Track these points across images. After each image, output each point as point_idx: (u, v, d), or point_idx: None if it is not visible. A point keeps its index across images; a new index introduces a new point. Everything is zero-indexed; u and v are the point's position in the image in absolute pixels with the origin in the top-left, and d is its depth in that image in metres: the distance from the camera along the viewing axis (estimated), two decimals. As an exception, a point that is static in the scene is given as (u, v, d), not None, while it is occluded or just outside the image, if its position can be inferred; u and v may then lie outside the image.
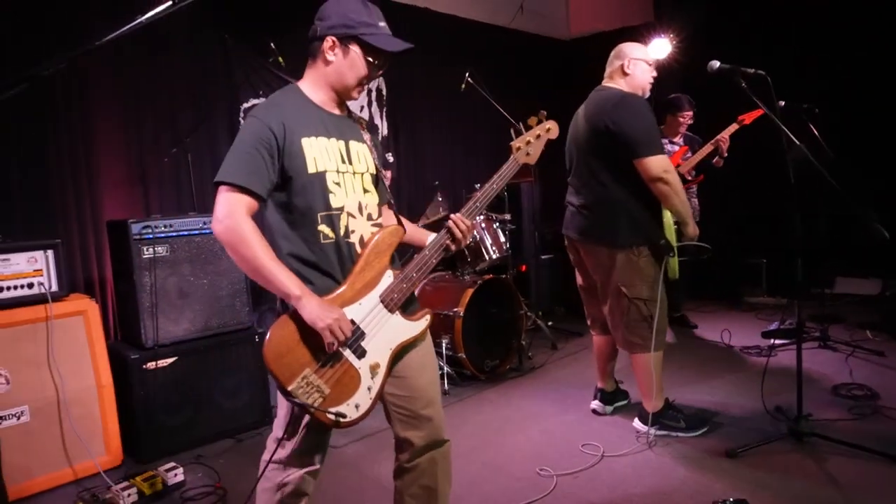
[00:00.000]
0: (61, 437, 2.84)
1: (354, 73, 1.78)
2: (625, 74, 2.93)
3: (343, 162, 1.81)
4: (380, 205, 1.92)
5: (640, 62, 2.94)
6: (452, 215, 1.87)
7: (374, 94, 5.25)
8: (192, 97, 4.05)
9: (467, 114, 5.64)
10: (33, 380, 2.78)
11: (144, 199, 3.84)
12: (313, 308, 1.63)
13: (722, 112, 4.30)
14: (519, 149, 1.96)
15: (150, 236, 3.07)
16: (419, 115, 5.57)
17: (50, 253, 2.88)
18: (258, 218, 1.70)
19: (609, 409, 3.31)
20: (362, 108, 5.17)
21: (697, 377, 3.77)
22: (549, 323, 4.84)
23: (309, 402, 1.62)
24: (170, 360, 3.10)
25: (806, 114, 3.98)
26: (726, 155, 4.35)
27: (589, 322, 3.31)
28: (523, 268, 5.28)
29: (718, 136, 4.30)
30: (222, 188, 1.66)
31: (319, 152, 1.76)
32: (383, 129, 5.32)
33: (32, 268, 2.84)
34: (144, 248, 3.06)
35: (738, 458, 2.70)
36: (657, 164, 2.71)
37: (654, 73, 3.01)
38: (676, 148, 4.60)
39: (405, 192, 5.41)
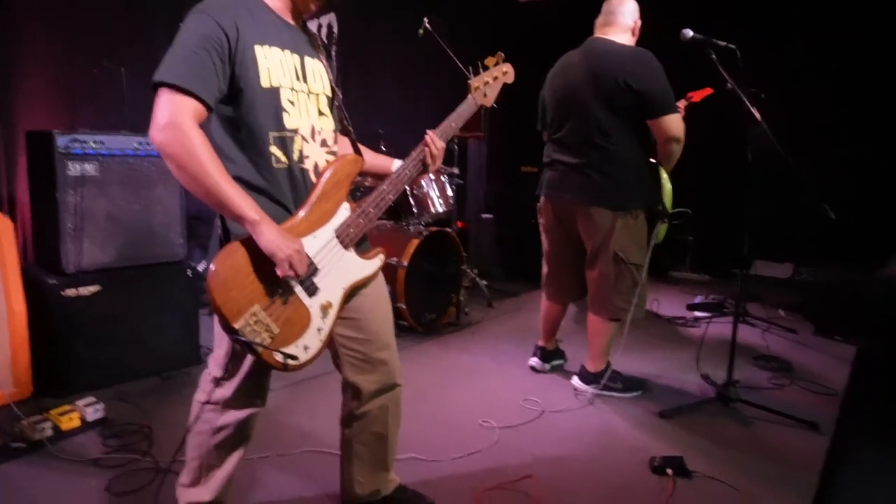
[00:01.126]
0: (-36, 364, 2.56)
1: None
2: (633, 34, 2.87)
3: (298, 79, 1.61)
4: (335, 131, 1.75)
5: (638, 26, 2.90)
6: (429, 131, 1.77)
7: (324, 31, 4.98)
8: (128, 3, 3.67)
9: (422, 63, 5.44)
10: (-66, 299, 2.48)
11: (69, 112, 3.48)
12: (273, 236, 1.45)
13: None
14: (477, 88, 1.89)
15: (79, 151, 2.78)
16: (371, 58, 5.34)
17: (-41, 159, 2.55)
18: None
19: (547, 366, 3.34)
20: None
21: (632, 343, 3.84)
22: (485, 282, 4.85)
23: (256, 342, 1.47)
24: (93, 289, 2.85)
25: (753, 97, 4.11)
26: None
27: (549, 291, 3.22)
28: (459, 224, 5.24)
29: None
30: (163, 90, 1.41)
31: (274, 64, 1.55)
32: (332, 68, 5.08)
33: (-63, 174, 2.52)
34: (71, 165, 2.77)
35: (672, 418, 2.79)
36: (676, 124, 2.68)
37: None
38: None
39: (355, 133, 5.21)
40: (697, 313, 4.55)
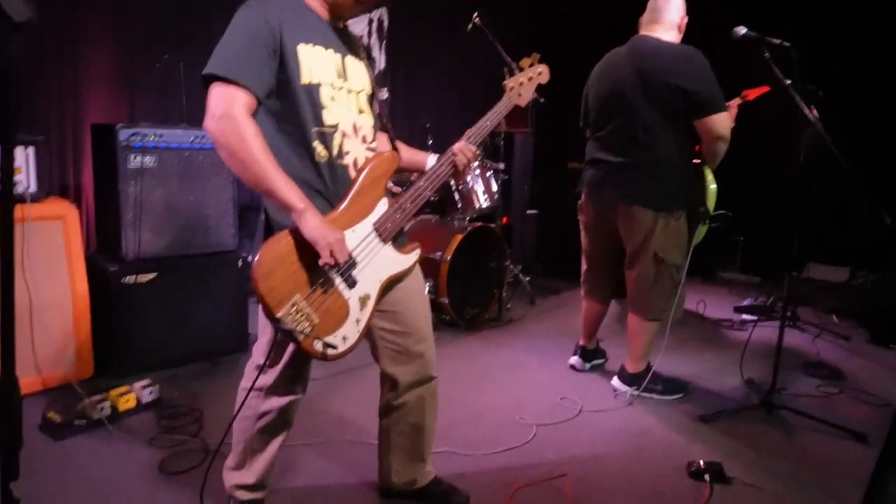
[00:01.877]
0: (31, 343, 2.72)
1: None
2: (680, 31, 2.83)
3: (339, 77, 1.67)
4: (375, 128, 1.81)
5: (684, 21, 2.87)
6: (456, 144, 1.81)
7: (374, 25, 5.05)
8: (189, 2, 3.81)
9: (470, 59, 5.45)
10: (6, 282, 2.65)
11: (130, 105, 3.64)
12: (316, 225, 1.50)
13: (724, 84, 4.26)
14: (512, 88, 1.94)
15: (139, 145, 2.91)
16: (420, 54, 5.39)
17: (31, 150, 2.71)
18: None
19: (587, 365, 3.34)
20: (361, 37, 4.97)
21: (675, 346, 3.80)
22: (528, 278, 4.85)
23: (298, 330, 1.53)
24: (149, 276, 2.99)
25: (810, 95, 3.98)
26: None
27: (587, 288, 3.22)
28: (505, 220, 5.25)
29: None
30: (216, 83, 1.48)
31: (316, 61, 1.61)
32: (381, 62, 5.15)
33: (10, 164, 2.67)
34: (132, 157, 2.90)
35: (712, 423, 2.76)
36: (723, 123, 2.65)
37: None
38: None
39: (399, 129, 5.27)
40: (745, 316, 4.45)
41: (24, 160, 2.70)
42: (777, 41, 2.70)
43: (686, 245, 2.82)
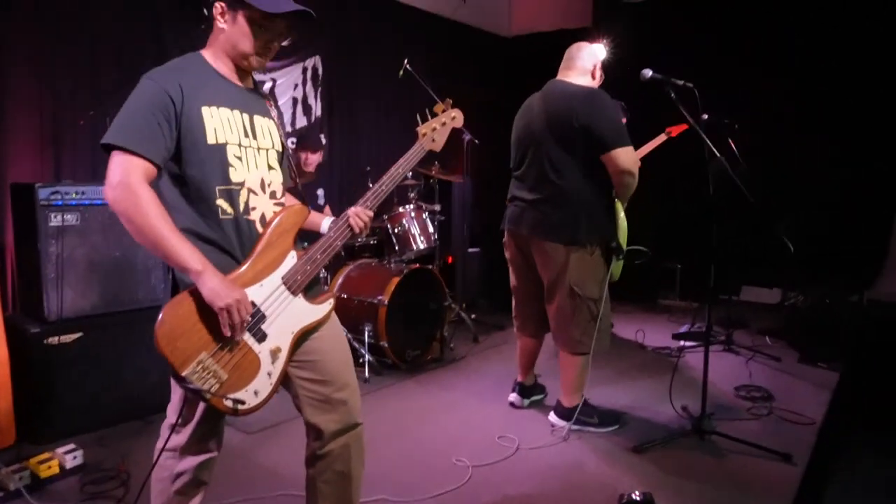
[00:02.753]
0: (-54, 413, 2.62)
1: (247, 40, 1.67)
2: (593, 76, 2.97)
3: (246, 136, 1.71)
4: (284, 184, 1.85)
5: (600, 69, 3.00)
6: (350, 209, 1.85)
7: (309, 73, 5.11)
8: (115, 58, 3.80)
9: (405, 102, 5.59)
10: (-84, 350, 2.55)
11: (55, 161, 3.57)
12: (214, 285, 1.52)
13: (650, 121, 4.45)
14: (425, 134, 2.00)
15: (60, 203, 2.87)
16: (356, 99, 5.47)
17: (-57, 214, 2.64)
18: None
19: (526, 402, 3.37)
20: (296, 85, 5.03)
21: (613, 377, 3.89)
22: (473, 315, 4.89)
23: (205, 388, 1.52)
24: (74, 336, 2.91)
25: (726, 128, 4.20)
26: None
27: (517, 324, 3.29)
28: (450, 259, 5.31)
29: (643, 148, 4.43)
30: (115, 152, 1.52)
31: (220, 123, 1.65)
32: (317, 109, 5.20)
33: (-79, 229, 2.60)
34: (52, 216, 2.86)
35: (645, 453, 2.81)
36: (629, 156, 2.75)
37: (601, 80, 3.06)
38: None
39: (338, 174, 5.32)
40: (683, 342, 4.57)
41: (-64, 224, 2.62)
42: (681, 82, 2.87)
43: (603, 279, 2.90)
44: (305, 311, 1.76)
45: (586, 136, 2.75)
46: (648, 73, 2.87)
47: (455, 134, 4.17)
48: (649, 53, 5.06)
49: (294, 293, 1.73)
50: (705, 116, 3.97)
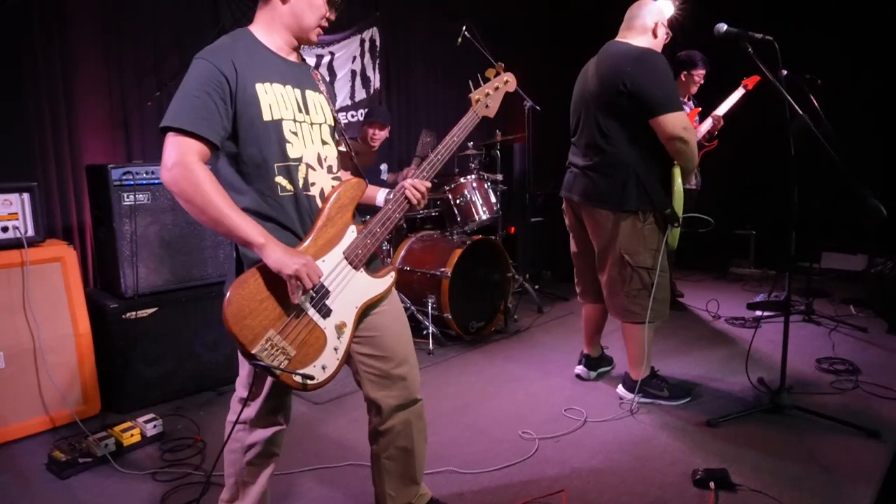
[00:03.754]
0: (37, 384, 2.79)
1: (314, 11, 1.67)
2: (654, 35, 2.82)
3: (300, 111, 1.70)
4: (339, 158, 1.84)
5: (664, 25, 2.84)
6: (406, 181, 1.82)
7: (367, 45, 5.09)
8: (176, 40, 3.88)
9: (464, 68, 5.47)
10: (8, 326, 2.71)
11: (126, 144, 3.71)
12: (279, 255, 1.52)
13: (722, 78, 4.22)
14: (478, 101, 1.95)
15: (132, 183, 2.97)
16: (414, 69, 5.43)
17: (26, 196, 2.77)
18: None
19: (593, 374, 3.30)
20: (354, 58, 5.02)
21: (683, 347, 3.77)
22: (536, 286, 4.82)
23: (274, 365, 1.54)
24: (150, 311, 3.03)
25: (808, 84, 3.92)
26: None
27: (579, 290, 3.24)
28: (512, 230, 5.24)
29: (722, 105, 4.21)
30: (170, 134, 1.53)
31: (275, 99, 1.64)
32: (376, 81, 5.18)
33: (7, 211, 2.74)
34: (125, 195, 2.96)
35: (719, 427, 2.71)
36: (677, 121, 2.62)
37: (668, 38, 2.90)
38: (688, 109, 4.49)
39: (398, 146, 5.31)
40: (758, 312, 4.37)
41: (20, 206, 2.76)
42: (759, 35, 2.68)
43: (657, 248, 2.78)
44: (368, 286, 1.76)
45: (635, 100, 2.63)
46: (723, 27, 2.68)
47: (516, 101, 4.08)
48: (717, 4, 4.83)
49: (356, 268, 1.72)
50: (785, 72, 3.73)
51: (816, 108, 3.80)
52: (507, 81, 2.02)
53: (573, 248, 3.18)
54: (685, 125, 2.62)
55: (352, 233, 1.73)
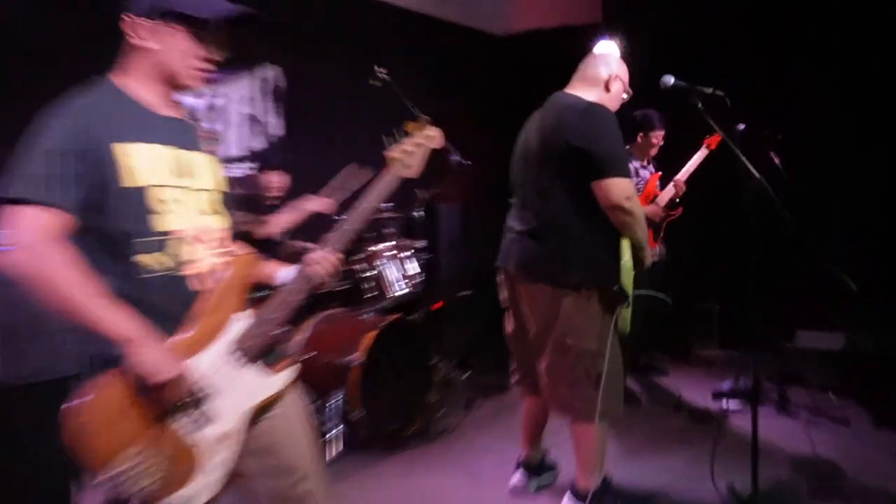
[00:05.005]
0: None
1: (178, 56, 1.67)
2: (606, 89, 2.94)
3: (175, 175, 1.68)
4: (228, 230, 1.83)
5: (621, 83, 2.98)
6: (312, 254, 1.82)
7: (266, 86, 5.11)
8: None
9: (385, 116, 5.59)
10: None
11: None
12: (146, 357, 1.49)
13: (681, 134, 4.45)
14: (397, 159, 1.97)
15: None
16: (324, 113, 5.46)
17: None
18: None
19: (533, 484, 3.27)
20: (250, 100, 5.02)
21: (641, 449, 3.80)
22: (467, 375, 4.81)
23: (135, 492, 1.47)
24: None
25: (768, 140, 4.19)
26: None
27: (517, 378, 3.23)
28: (438, 306, 5.23)
29: (685, 168, 4.44)
30: (19, 207, 1.47)
31: (139, 162, 1.61)
32: (277, 127, 5.19)
33: None
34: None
35: (682, 548, 2.71)
36: (620, 188, 2.69)
37: (627, 97, 3.03)
38: (648, 174, 4.68)
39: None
40: (726, 403, 4.47)
41: None
42: (709, 90, 2.85)
43: (604, 330, 2.83)
44: (260, 384, 1.73)
45: (578, 159, 2.72)
46: (670, 80, 2.84)
47: (442, 155, 4.14)
48: (673, 55, 5.14)
49: (245, 362, 1.70)
50: (741, 126, 3.98)
51: (777, 166, 4.07)
52: (431, 137, 2.05)
53: (509, 328, 3.19)
54: (629, 194, 2.71)
55: (241, 320, 1.71)
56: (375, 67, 4.20)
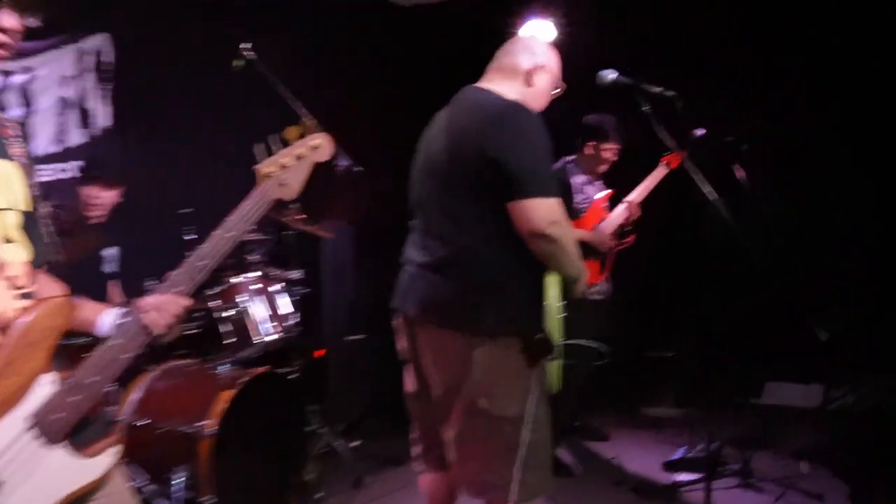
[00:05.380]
0: None
1: None
2: (527, 83, 2.98)
3: None
4: (34, 264, 1.82)
5: (548, 73, 3.01)
6: (150, 297, 1.81)
7: (89, 61, 5.00)
8: None
9: (249, 106, 5.56)
10: None
11: None
12: None
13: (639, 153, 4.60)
14: (270, 175, 1.97)
15: None
16: (168, 102, 5.37)
17: None
18: None
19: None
20: (67, 79, 4.92)
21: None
22: (355, 444, 4.82)
23: None
24: None
25: (731, 148, 4.36)
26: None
27: (418, 450, 3.24)
28: (319, 353, 5.22)
29: (639, 188, 4.60)
30: None
31: None
32: (104, 116, 5.09)
33: None
34: None
35: None
36: (543, 212, 2.69)
37: (555, 96, 3.08)
38: (595, 191, 4.80)
39: (139, 223, 5.15)
40: (678, 476, 4.62)
41: None
42: (657, 89, 2.96)
43: (527, 388, 2.87)
44: (71, 471, 1.71)
45: (494, 174, 2.75)
46: (611, 74, 2.94)
47: (327, 160, 4.12)
48: (627, 41, 5.32)
49: (51, 441, 1.68)
50: (700, 132, 4.15)
51: (743, 183, 4.25)
52: (317, 147, 2.06)
53: (410, 385, 3.18)
54: (554, 219, 2.72)
55: (46, 385, 1.69)
56: (241, 46, 4.18)
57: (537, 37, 3.12)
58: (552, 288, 2.91)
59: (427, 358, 2.97)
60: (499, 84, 2.95)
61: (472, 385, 2.82)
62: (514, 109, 2.80)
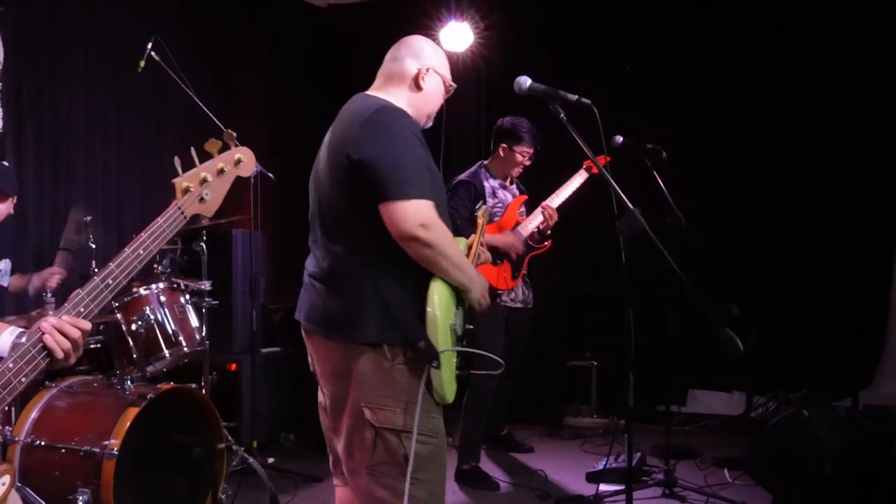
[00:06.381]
0: None
1: None
2: (417, 86, 2.98)
3: None
4: None
5: (438, 76, 3.02)
6: (48, 320, 1.76)
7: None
8: None
9: (157, 110, 5.48)
10: None
11: None
12: None
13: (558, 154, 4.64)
14: (188, 190, 1.93)
15: None
16: (69, 105, 5.26)
17: None
18: None
19: None
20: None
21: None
22: (271, 460, 4.78)
23: None
24: None
25: (651, 157, 4.45)
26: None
27: (332, 462, 3.22)
28: (232, 367, 5.16)
29: (557, 192, 4.65)
30: None
31: None
32: (-3, 121, 4.96)
33: None
34: None
35: None
36: (411, 213, 2.68)
37: (447, 95, 3.10)
38: (509, 196, 4.86)
39: (35, 230, 5.04)
40: (602, 486, 4.67)
41: None
42: (573, 97, 2.99)
43: (414, 400, 2.85)
44: None
45: (365, 178, 2.75)
46: (526, 82, 2.97)
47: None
48: (548, 47, 5.38)
49: None
50: (619, 139, 4.22)
51: (663, 190, 4.35)
52: (238, 161, 2.05)
53: (322, 398, 3.17)
54: (424, 220, 2.71)
55: None
56: (149, 47, 4.14)
57: (423, 38, 3.10)
58: (435, 294, 2.91)
59: (318, 369, 3.00)
60: (385, 91, 2.97)
61: (356, 396, 2.82)
62: (383, 110, 2.82)
